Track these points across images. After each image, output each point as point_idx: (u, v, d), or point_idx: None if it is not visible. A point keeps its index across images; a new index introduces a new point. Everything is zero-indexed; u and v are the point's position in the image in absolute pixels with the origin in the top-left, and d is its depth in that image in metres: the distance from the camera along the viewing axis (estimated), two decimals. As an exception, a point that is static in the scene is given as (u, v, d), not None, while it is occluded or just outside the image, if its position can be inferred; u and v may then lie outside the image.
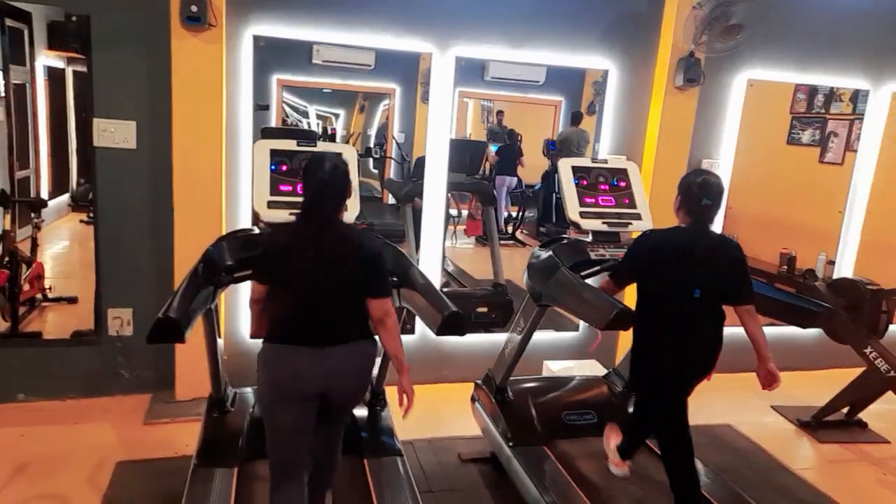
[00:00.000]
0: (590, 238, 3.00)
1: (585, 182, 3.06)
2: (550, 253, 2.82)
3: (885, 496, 3.50)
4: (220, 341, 2.92)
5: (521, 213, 6.43)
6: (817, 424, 4.16)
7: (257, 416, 2.93)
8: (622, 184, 3.13)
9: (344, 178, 2.08)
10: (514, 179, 6.59)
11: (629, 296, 2.70)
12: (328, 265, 2.05)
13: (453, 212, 5.50)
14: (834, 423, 4.18)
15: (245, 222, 3.90)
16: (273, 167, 2.71)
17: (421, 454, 3.51)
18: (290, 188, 2.68)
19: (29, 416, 3.68)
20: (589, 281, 2.74)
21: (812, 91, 5.26)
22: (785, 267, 5.09)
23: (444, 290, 4.76)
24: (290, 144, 2.77)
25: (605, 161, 3.26)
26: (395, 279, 2.52)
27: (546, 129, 6.60)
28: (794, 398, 4.44)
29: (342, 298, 2.09)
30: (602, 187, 3.08)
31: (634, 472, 2.88)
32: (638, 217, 3.07)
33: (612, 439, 2.83)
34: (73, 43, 4.35)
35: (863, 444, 4.03)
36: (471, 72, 4.56)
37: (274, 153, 2.72)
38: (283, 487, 2.16)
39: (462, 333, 2.25)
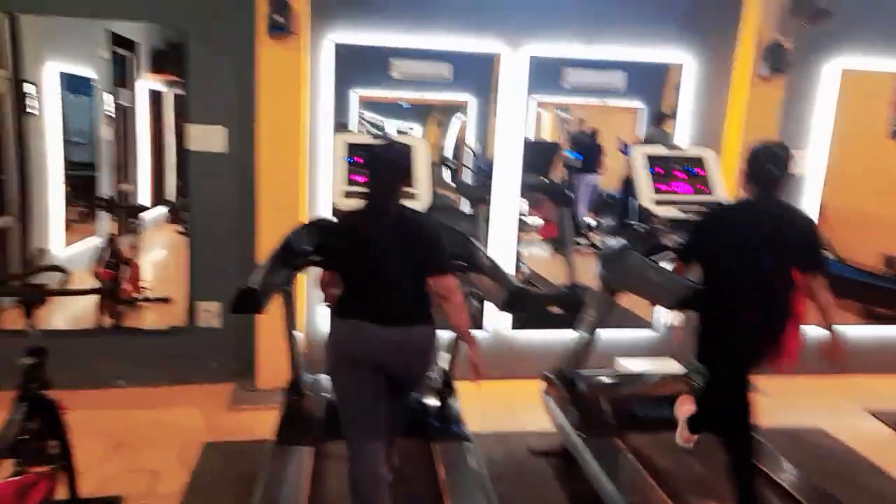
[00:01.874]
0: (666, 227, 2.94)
1: (661, 170, 3.00)
2: (624, 241, 2.78)
3: None
4: (299, 334, 3.03)
5: (598, 221, 6.32)
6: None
7: (333, 399, 3.04)
8: (699, 171, 3.04)
9: (404, 162, 2.17)
10: (596, 178, 6.48)
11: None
12: (389, 246, 2.14)
13: (529, 219, 5.49)
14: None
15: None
16: (349, 160, 2.82)
17: (489, 446, 3.49)
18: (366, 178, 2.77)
19: (127, 400, 3.97)
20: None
21: None
22: (887, 268, 4.75)
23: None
24: (365, 138, 2.89)
25: (681, 149, 3.18)
26: (463, 263, 2.56)
27: (627, 136, 6.50)
28: (891, 403, 4.14)
29: (403, 279, 2.16)
30: (677, 175, 3.01)
31: (708, 462, 2.77)
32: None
33: (685, 409, 2.74)
34: (172, 67, 4.73)
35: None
36: (548, 78, 4.54)
37: (351, 146, 2.83)
38: (358, 445, 2.21)
39: (525, 310, 2.26)
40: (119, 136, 4.43)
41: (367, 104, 5.06)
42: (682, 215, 2.95)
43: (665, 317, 4.60)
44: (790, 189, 2.36)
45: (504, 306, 2.27)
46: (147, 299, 4.53)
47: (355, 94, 4.77)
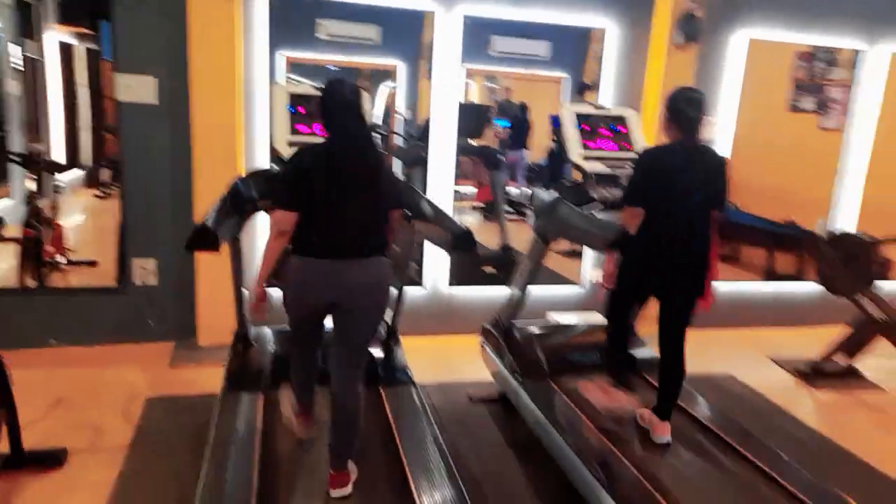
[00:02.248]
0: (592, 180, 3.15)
1: (587, 128, 3.21)
2: (556, 194, 2.97)
3: (877, 437, 3.66)
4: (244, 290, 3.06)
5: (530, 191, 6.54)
6: (814, 374, 4.31)
7: (278, 351, 3.13)
8: (622, 129, 3.27)
9: (360, 98, 2.24)
10: (525, 153, 6.70)
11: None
12: (354, 180, 2.20)
13: (461, 188, 5.61)
14: (831, 373, 4.32)
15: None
16: (291, 109, 2.86)
17: (431, 396, 3.67)
18: (308, 129, 2.84)
19: (61, 359, 3.89)
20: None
21: (812, 56, 5.36)
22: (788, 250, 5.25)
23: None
24: (306, 89, 2.93)
25: (606, 108, 3.40)
26: (408, 212, 2.68)
27: (551, 106, 6.71)
28: (792, 352, 4.60)
29: (367, 211, 2.24)
30: (603, 132, 3.23)
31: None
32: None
33: (596, 391, 3.01)
34: (83, 19, 4.50)
35: (859, 391, 4.18)
36: (475, 47, 4.63)
37: (293, 96, 2.88)
38: (299, 350, 2.49)
39: (472, 250, 2.41)
40: (28, 92, 4.21)
41: (295, 67, 5.00)
42: (607, 170, 3.18)
43: (589, 274, 4.90)
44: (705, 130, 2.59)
45: (452, 248, 2.41)
46: (72, 262, 4.41)
47: (282, 56, 4.73)
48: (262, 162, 4.08)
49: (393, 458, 2.54)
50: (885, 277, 4.18)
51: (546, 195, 3.06)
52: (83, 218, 4.65)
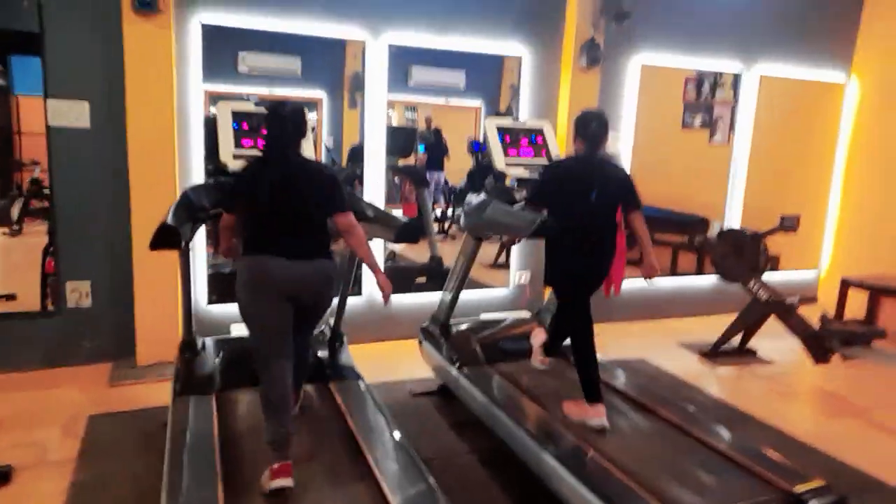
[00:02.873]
0: (514, 184, 3.50)
1: (508, 139, 3.57)
2: (483, 195, 3.29)
3: (770, 398, 4.17)
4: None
5: (452, 211, 6.89)
6: (715, 354, 4.82)
7: (227, 355, 3.24)
8: (539, 140, 3.65)
9: (302, 116, 2.48)
10: (442, 175, 7.05)
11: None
12: (293, 188, 2.42)
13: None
14: (729, 352, 4.86)
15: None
16: (235, 125, 3.05)
17: (376, 394, 3.87)
18: (251, 143, 3.04)
19: (-3, 385, 3.81)
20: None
21: (699, 80, 6.02)
22: (686, 237, 5.84)
23: (388, 263, 5.15)
24: (248, 106, 3.13)
25: (524, 122, 3.78)
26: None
27: (468, 132, 7.11)
28: (697, 338, 5.10)
29: (305, 218, 2.46)
30: (523, 142, 3.59)
31: (559, 375, 3.36)
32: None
33: (538, 337, 3.28)
34: None
35: (753, 366, 4.72)
36: (395, 78, 4.86)
37: (235, 114, 3.07)
38: (272, 363, 2.44)
39: (416, 240, 2.66)
40: None
41: (216, 101, 5.11)
42: (527, 174, 3.54)
43: (516, 277, 5.26)
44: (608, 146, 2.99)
45: (398, 237, 2.67)
46: None
47: (202, 90, 4.76)
48: (199, 180, 4.19)
49: (351, 443, 2.71)
50: (770, 266, 4.76)
51: (475, 198, 3.37)
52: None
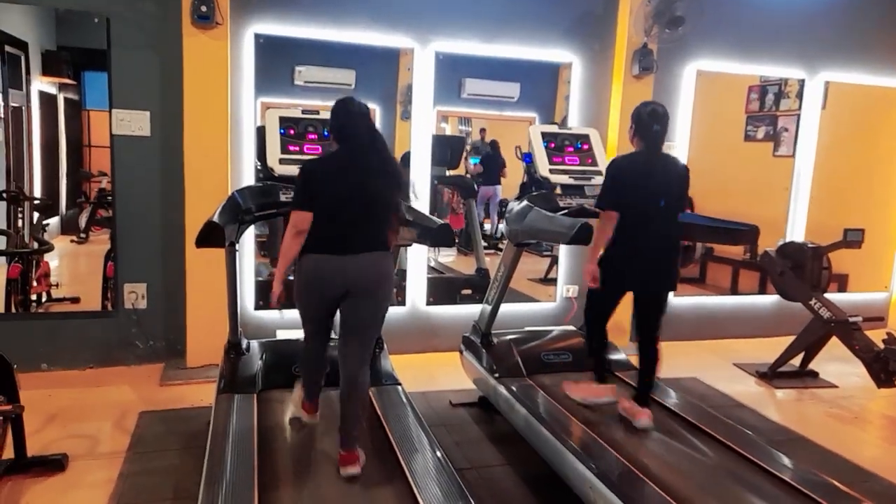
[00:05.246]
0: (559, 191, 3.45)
1: (553, 145, 3.52)
2: (525, 201, 3.25)
3: (829, 423, 3.94)
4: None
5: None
6: (773, 374, 4.59)
7: (271, 357, 3.29)
8: (585, 147, 3.59)
9: (369, 111, 2.51)
10: (499, 189, 7.00)
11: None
12: (367, 184, 2.45)
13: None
14: (788, 373, 4.61)
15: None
16: (282, 131, 3.12)
17: (415, 402, 3.86)
18: (297, 148, 3.10)
19: (53, 382, 3.98)
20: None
21: (763, 90, 5.81)
22: (748, 254, 5.61)
23: (429, 276, 5.14)
24: (296, 112, 3.20)
25: (570, 127, 3.72)
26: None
27: (523, 145, 7.04)
28: (755, 358, 4.88)
29: (377, 212, 2.49)
30: (568, 149, 3.54)
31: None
32: (599, 174, 3.53)
33: (579, 388, 3.21)
34: (65, 70, 4.75)
35: (814, 389, 4.47)
36: (448, 90, 4.90)
37: (283, 119, 3.14)
38: (313, 341, 2.66)
39: (451, 244, 2.65)
40: (11, 140, 4.40)
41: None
42: (572, 181, 3.49)
43: (563, 291, 5.16)
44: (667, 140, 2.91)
45: (434, 240, 2.67)
46: (54, 299, 4.53)
47: (259, 102, 4.73)
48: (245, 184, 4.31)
49: (387, 448, 2.71)
50: (838, 287, 4.50)
51: (517, 204, 3.34)
52: (60, 262, 4.80)
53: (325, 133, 3.17)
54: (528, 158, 7.31)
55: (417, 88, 4.62)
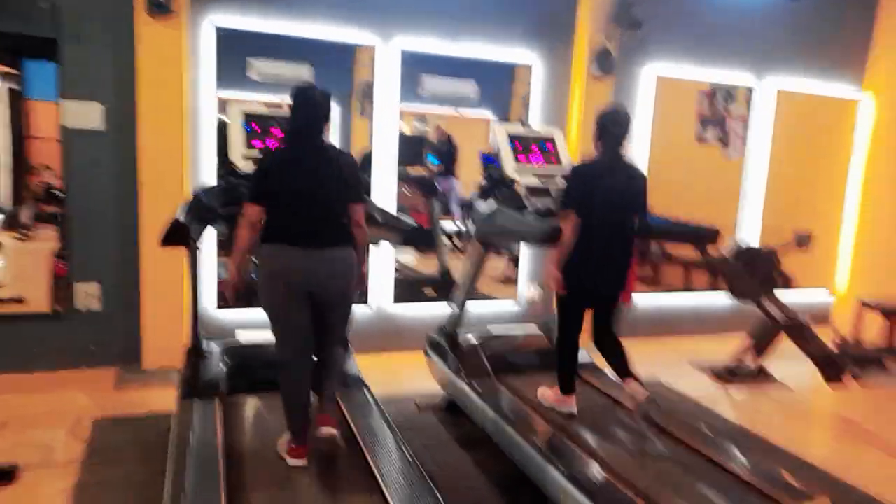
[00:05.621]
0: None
1: (519, 145, 3.54)
2: (492, 201, 3.26)
3: (785, 424, 4.07)
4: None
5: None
6: (729, 375, 4.71)
7: (232, 361, 3.20)
8: (550, 147, 3.62)
9: (328, 102, 2.45)
10: (455, 181, 6.99)
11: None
12: (319, 176, 2.40)
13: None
14: (743, 374, 4.73)
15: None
16: (246, 127, 3.05)
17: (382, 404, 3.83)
18: (261, 144, 3.03)
19: (3, 386, 3.79)
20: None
21: (713, 93, 5.96)
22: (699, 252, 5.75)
23: (396, 274, 5.11)
24: (260, 108, 3.13)
25: (531, 128, 3.75)
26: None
27: (479, 145, 7.05)
28: (709, 358, 5.00)
29: (330, 206, 2.43)
30: (533, 149, 3.56)
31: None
32: (563, 173, 3.56)
33: (549, 394, 3.21)
34: (6, 58, 4.53)
35: (766, 388, 4.60)
36: (404, 88, 4.84)
37: (247, 115, 3.06)
38: (291, 364, 2.49)
39: (426, 246, 2.63)
40: None
41: (224, 106, 5.07)
42: (539, 182, 3.51)
43: (526, 291, 5.21)
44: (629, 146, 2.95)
45: (406, 241, 2.64)
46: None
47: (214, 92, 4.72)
48: (209, 182, 4.19)
49: (356, 453, 2.65)
50: (785, 284, 4.66)
51: (485, 205, 3.34)
52: (5, 256, 4.59)
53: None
54: (488, 159, 7.37)
55: (381, 86, 4.58)
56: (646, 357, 4.96)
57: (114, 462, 3.02)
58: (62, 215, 4.17)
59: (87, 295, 4.08)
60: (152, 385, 3.92)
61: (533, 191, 3.47)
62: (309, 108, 2.44)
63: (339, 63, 5.24)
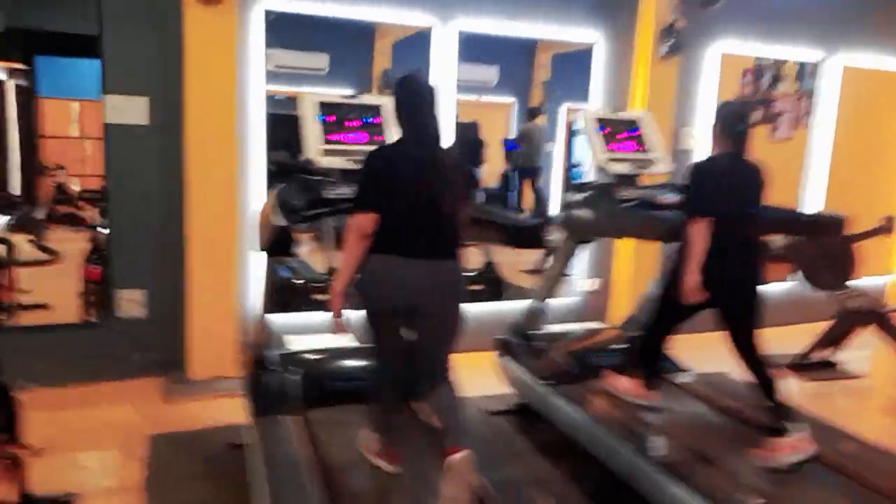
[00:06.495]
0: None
1: (608, 131, 3.24)
2: (590, 192, 2.97)
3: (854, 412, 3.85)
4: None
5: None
6: (799, 366, 4.45)
7: (300, 372, 2.92)
8: (637, 132, 3.32)
9: (436, 95, 2.16)
10: (478, 171, 6.73)
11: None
12: (436, 178, 2.12)
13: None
14: (812, 364, 4.45)
15: (254, 195, 3.87)
16: (322, 118, 2.74)
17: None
18: (339, 137, 2.73)
19: (44, 402, 3.46)
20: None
21: (758, 71, 5.65)
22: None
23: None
24: (335, 98, 2.82)
25: (623, 112, 3.46)
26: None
27: (501, 130, 6.78)
28: (774, 349, 4.70)
29: (447, 212, 2.15)
30: (621, 136, 3.27)
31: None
32: (654, 162, 3.28)
33: (624, 385, 2.98)
34: (16, 53, 4.25)
35: (841, 380, 4.35)
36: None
37: (323, 105, 2.76)
38: (385, 387, 2.24)
39: (538, 245, 2.37)
40: None
41: None
42: (627, 170, 3.22)
43: (583, 285, 4.91)
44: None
45: (511, 241, 2.40)
46: (23, 306, 4.07)
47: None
48: (258, 181, 3.90)
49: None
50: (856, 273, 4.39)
51: (577, 194, 3.06)
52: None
53: (365, 120, 2.81)
54: (511, 145, 7.09)
55: (437, 72, 4.25)
56: (708, 350, 4.76)
57: (182, 484, 2.76)
58: (101, 215, 3.89)
59: (130, 301, 3.79)
60: (203, 396, 3.65)
61: (623, 180, 3.19)
62: (418, 99, 2.15)
63: (357, 52, 5.12)
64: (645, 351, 2.96)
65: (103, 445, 3.07)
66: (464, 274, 2.24)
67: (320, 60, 4.59)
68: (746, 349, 2.70)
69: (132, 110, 3.61)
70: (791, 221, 2.91)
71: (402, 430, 2.31)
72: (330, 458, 2.45)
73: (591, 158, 3.21)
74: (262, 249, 2.24)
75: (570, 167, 7.42)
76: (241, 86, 3.75)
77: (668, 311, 2.81)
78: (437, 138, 2.19)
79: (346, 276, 2.13)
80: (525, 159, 6.62)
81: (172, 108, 3.61)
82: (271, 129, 3.92)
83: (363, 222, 2.10)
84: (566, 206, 3.02)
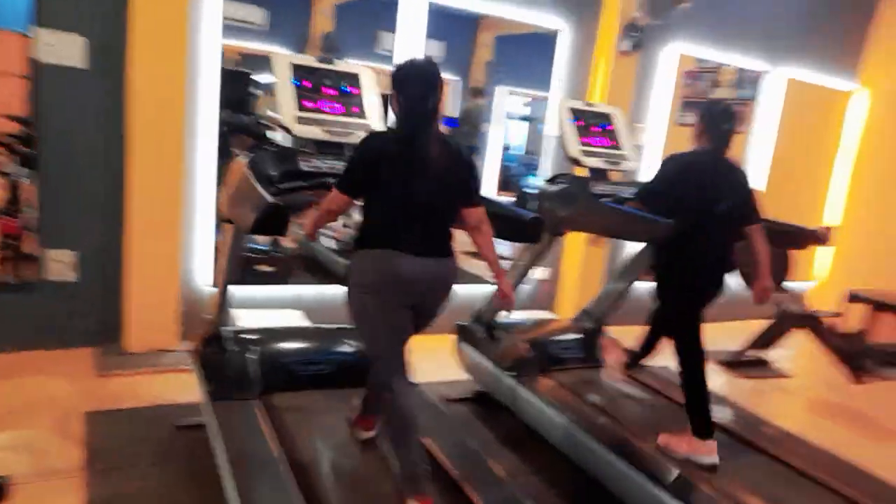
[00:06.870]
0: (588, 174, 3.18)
1: (582, 123, 3.23)
2: (566, 184, 2.95)
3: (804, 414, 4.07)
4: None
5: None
6: (735, 363, 4.68)
7: (256, 352, 2.76)
8: (610, 127, 3.34)
9: (441, 78, 2.03)
10: None
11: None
12: (433, 171, 2.01)
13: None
14: (746, 362, 4.70)
15: (204, 155, 3.62)
16: (296, 82, 2.57)
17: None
18: (313, 104, 2.57)
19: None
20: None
21: (698, 75, 5.81)
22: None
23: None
24: (310, 60, 2.65)
25: (594, 106, 3.45)
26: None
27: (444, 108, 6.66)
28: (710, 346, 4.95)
29: (442, 207, 2.06)
30: (595, 129, 3.27)
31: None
32: (624, 158, 3.30)
33: (614, 353, 3.06)
34: None
35: (773, 378, 4.63)
36: (360, 44, 4.60)
37: (297, 68, 2.58)
38: (395, 382, 2.10)
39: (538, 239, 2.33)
40: None
41: None
42: (600, 165, 3.23)
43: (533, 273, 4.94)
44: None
45: (516, 235, 2.34)
46: None
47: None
48: (207, 139, 3.64)
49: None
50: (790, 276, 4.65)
51: (549, 186, 3.03)
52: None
53: (343, 89, 2.66)
54: (452, 123, 7.02)
55: (402, 44, 4.10)
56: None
57: (126, 468, 2.56)
58: (22, 164, 3.54)
59: (59, 262, 3.46)
60: (141, 371, 3.41)
61: (596, 174, 3.19)
62: (422, 82, 2.00)
63: (295, 8, 4.94)
64: (693, 397, 2.71)
65: (35, 423, 2.80)
66: (456, 271, 2.17)
67: (260, 15, 4.41)
68: (697, 343, 2.76)
69: (68, 49, 3.25)
70: (774, 231, 2.97)
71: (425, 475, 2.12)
72: (296, 444, 2.37)
73: (560, 147, 3.18)
74: (253, 232, 2.06)
75: (504, 149, 7.48)
76: (192, 33, 3.47)
77: (689, 327, 2.77)
78: (437, 132, 2.07)
79: (317, 221, 2.21)
80: (464, 138, 6.61)
81: (114, 52, 3.29)
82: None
83: (339, 200, 2.08)
84: (542, 197, 2.97)
